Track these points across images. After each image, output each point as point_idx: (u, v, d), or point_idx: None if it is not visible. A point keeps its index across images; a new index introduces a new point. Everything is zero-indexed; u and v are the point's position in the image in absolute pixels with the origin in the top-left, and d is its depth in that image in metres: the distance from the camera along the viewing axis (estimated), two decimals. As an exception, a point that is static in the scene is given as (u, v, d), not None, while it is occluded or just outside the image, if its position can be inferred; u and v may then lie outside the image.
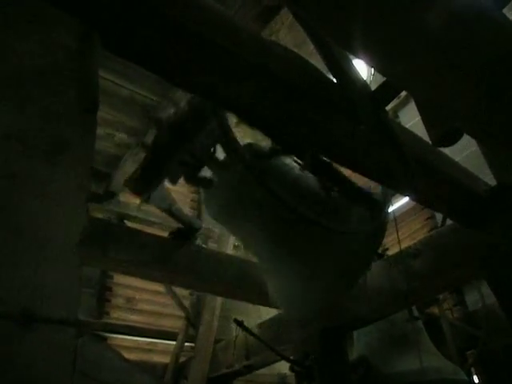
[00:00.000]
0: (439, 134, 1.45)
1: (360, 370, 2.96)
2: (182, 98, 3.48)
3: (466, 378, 3.02)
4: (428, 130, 1.50)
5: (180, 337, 4.29)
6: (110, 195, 4.28)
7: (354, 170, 1.65)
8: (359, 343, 3.21)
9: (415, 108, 1.64)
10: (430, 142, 1.70)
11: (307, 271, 1.98)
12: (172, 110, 2.47)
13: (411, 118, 4.59)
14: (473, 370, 3.88)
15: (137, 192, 2.15)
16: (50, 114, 0.73)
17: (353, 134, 1.51)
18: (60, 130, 0.73)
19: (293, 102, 1.44)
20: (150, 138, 2.85)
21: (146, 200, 2.20)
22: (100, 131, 3.26)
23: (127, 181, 2.06)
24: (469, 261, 2.37)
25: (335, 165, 1.83)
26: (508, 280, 2.35)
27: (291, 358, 2.89)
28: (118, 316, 4.63)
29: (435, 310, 3.93)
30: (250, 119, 1.68)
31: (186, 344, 4.40)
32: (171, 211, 2.38)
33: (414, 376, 2.66)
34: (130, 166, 4.02)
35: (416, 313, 3.09)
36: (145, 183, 2.20)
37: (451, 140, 1.47)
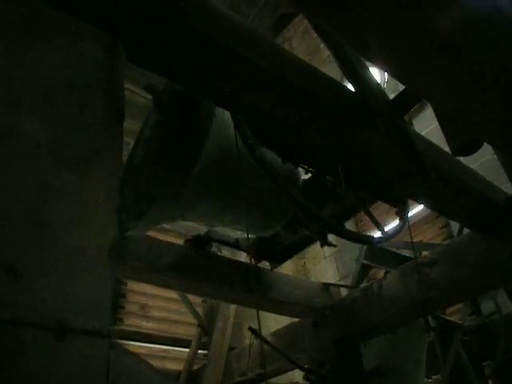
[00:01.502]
0: (459, 144, 1.45)
1: (376, 380, 2.93)
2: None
3: None
4: (447, 140, 1.50)
5: (193, 344, 4.29)
6: (124, 202, 4.31)
7: (373, 178, 1.65)
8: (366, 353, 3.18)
9: (430, 116, 1.64)
10: (448, 150, 1.70)
11: None
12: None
13: (426, 126, 4.57)
14: (490, 382, 3.82)
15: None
16: (78, 124, 0.74)
17: (371, 143, 1.51)
18: (89, 141, 0.74)
19: (312, 112, 1.45)
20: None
21: None
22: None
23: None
24: (486, 270, 2.34)
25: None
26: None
27: (306, 366, 2.87)
28: (131, 323, 4.65)
29: (450, 318, 3.89)
30: (269, 129, 1.69)
31: (200, 351, 4.40)
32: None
33: None
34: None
35: (432, 322, 3.06)
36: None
37: (471, 149, 1.47)
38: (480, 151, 3.44)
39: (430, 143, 1.93)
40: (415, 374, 3.12)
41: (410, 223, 4.58)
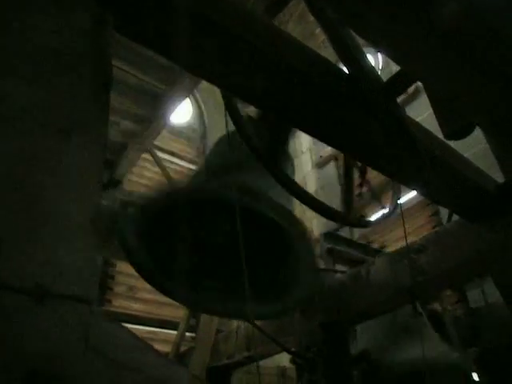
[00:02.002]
0: (452, 128, 1.44)
1: (362, 365, 2.96)
2: (191, 87, 3.47)
3: (469, 365, 3.03)
4: (440, 124, 1.49)
5: (181, 326, 4.30)
6: (115, 183, 4.28)
7: (366, 162, 1.64)
8: (362, 337, 3.21)
9: (423, 103, 1.62)
10: (441, 136, 1.69)
11: None
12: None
13: (419, 114, 4.57)
14: (474, 367, 3.88)
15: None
16: (65, 91, 0.72)
17: (364, 126, 1.50)
18: (75, 108, 0.72)
19: (305, 93, 1.43)
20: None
21: None
22: (106, 118, 3.24)
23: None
24: (475, 258, 2.35)
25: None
26: (513, 278, 2.34)
27: (293, 350, 2.88)
28: (119, 304, 4.65)
29: (437, 306, 3.93)
30: (263, 109, 1.67)
31: (187, 334, 4.42)
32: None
33: (414, 365, 2.66)
34: (134, 155, 4.01)
35: (419, 308, 3.08)
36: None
37: (463, 133, 1.46)
38: (473, 141, 3.46)
39: (422, 128, 1.92)
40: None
41: (402, 210, 4.60)
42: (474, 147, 3.90)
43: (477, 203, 2.18)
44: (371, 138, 1.54)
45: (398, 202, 2.20)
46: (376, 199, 2.22)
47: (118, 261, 4.53)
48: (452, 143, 2.04)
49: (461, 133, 1.44)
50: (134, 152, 4.02)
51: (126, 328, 0.62)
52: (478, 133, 2.51)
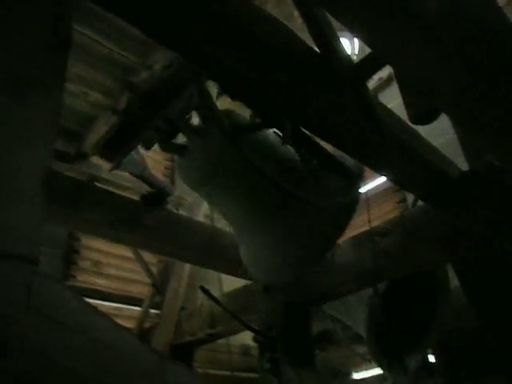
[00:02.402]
0: (418, 112, 1.45)
1: (323, 345, 3.02)
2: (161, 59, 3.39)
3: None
4: (407, 108, 1.50)
5: (146, 303, 4.29)
6: (82, 156, 4.17)
7: (332, 142, 1.65)
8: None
9: (394, 91, 1.63)
10: (408, 121, 1.71)
11: (279, 240, 1.99)
12: (146, 74, 2.41)
13: (390, 102, 4.60)
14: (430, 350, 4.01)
15: (106, 158, 2.10)
16: (18, 48, 0.69)
17: (333, 106, 1.50)
18: (28, 66, 0.69)
19: (274, 69, 1.41)
20: (123, 102, 2.80)
21: (117, 166, 2.16)
22: (74, 89, 3.15)
23: (96, 146, 2.02)
24: (437, 243, 2.41)
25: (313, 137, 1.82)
26: (473, 265, 2.41)
27: (255, 328, 2.91)
28: (84, 279, 4.59)
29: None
30: (230, 84, 1.65)
31: (152, 311, 4.41)
32: (143, 176, 2.35)
33: None
34: (103, 128, 3.91)
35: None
36: (115, 149, 2.16)
37: (428, 118, 1.48)
38: (441, 130, 3.51)
39: (392, 114, 1.94)
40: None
41: (368, 196, 4.66)
42: (442, 137, 3.96)
43: (441, 190, 2.22)
44: (339, 117, 1.54)
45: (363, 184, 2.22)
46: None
47: (84, 235, 4.46)
48: (421, 130, 2.08)
49: (426, 118, 1.46)
50: (103, 126, 3.91)
51: (72, 289, 0.61)
52: (447, 123, 2.56)
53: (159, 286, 4.35)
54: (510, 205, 2.26)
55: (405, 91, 1.57)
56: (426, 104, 1.49)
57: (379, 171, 2.15)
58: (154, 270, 4.60)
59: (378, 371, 4.67)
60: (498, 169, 2.24)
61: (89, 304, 0.58)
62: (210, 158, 2.01)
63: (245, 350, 4.69)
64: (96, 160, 4.35)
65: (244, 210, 2.00)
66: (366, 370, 4.78)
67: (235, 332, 3.52)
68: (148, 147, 2.12)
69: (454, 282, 3.60)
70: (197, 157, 2.02)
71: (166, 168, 5.43)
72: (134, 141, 2.04)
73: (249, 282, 3.17)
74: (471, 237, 2.34)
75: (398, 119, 1.95)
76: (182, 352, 3.85)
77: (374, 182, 4.94)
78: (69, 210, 2.16)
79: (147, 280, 4.46)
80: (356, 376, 4.86)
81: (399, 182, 2.20)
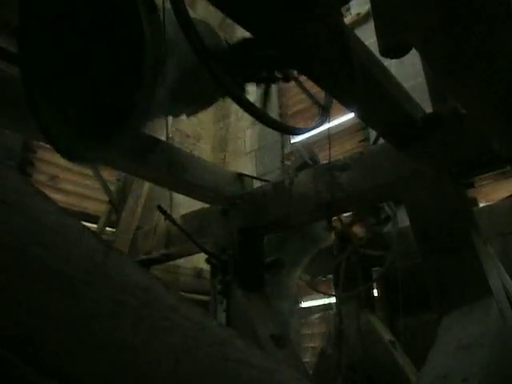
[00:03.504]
0: (388, 44, 1.43)
1: (273, 270, 3.11)
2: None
3: None
4: (378, 38, 1.48)
5: (102, 220, 4.28)
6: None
7: (301, 69, 1.62)
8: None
9: (370, 29, 1.59)
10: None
11: None
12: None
13: (366, 39, 4.53)
14: (374, 284, 4.24)
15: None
16: None
17: (306, 29, 1.46)
18: None
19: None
20: None
21: None
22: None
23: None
24: (392, 181, 2.46)
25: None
26: (424, 206, 2.49)
27: (209, 250, 2.97)
28: (39, 192, 4.50)
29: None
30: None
31: (108, 228, 4.41)
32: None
33: None
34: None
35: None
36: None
37: (398, 51, 1.46)
38: (412, 74, 3.47)
39: (366, 49, 1.91)
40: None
41: (332, 133, 4.68)
42: (413, 80, 3.96)
43: (403, 130, 2.25)
44: (313, 45, 1.51)
45: (327, 115, 2.21)
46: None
47: (40, 148, 4.33)
48: (392, 70, 2.07)
49: (396, 50, 1.44)
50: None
51: (16, 171, 0.59)
52: (419, 67, 2.54)
53: (116, 204, 4.33)
54: (466, 149, 2.32)
55: (378, 23, 1.53)
56: (397, 37, 1.47)
57: (346, 104, 2.15)
58: (112, 187, 4.56)
59: (322, 301, 4.93)
60: (461, 114, 2.27)
61: (33, 185, 0.57)
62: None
63: (198, 273, 4.80)
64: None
65: None
66: (311, 299, 5.03)
67: (189, 253, 3.58)
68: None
69: (405, 222, 3.75)
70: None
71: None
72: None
73: (206, 206, 3.19)
74: (428, 178, 2.40)
75: (370, 55, 1.92)
76: (136, 270, 3.91)
77: (339, 120, 4.96)
78: (23, 114, 2.05)
79: (104, 197, 4.43)
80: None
81: (364, 117, 2.21)
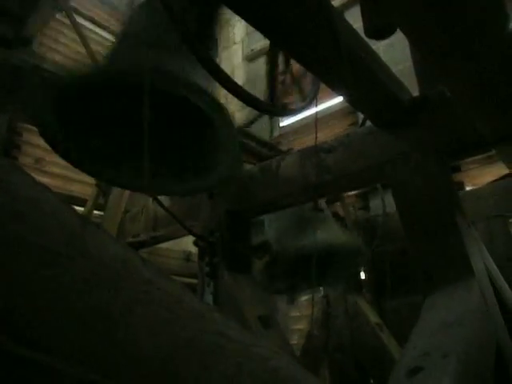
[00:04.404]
0: (374, 26, 1.43)
1: (260, 253, 3.13)
2: None
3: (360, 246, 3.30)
4: (364, 19, 1.48)
5: (89, 203, 4.25)
6: (23, 42, 3.87)
7: (287, 48, 1.61)
8: (270, 229, 3.37)
9: (358, 13, 1.58)
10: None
11: None
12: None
13: (354, 22, 4.51)
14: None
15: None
16: None
17: (297, 13, 1.45)
18: None
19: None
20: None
21: None
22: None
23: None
24: (377, 165, 2.48)
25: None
26: (410, 188, 2.51)
27: (197, 233, 2.98)
28: (25, 175, 4.47)
29: (340, 209, 4.19)
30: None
31: (95, 212, 4.39)
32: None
33: (305, 248, 2.82)
34: (47, 12, 3.61)
35: (321, 205, 3.26)
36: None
37: (383, 33, 1.46)
38: (401, 58, 3.46)
39: (354, 32, 1.90)
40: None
41: (320, 116, 4.68)
42: (401, 64, 3.96)
43: (390, 112, 2.25)
44: (300, 25, 1.50)
45: (315, 95, 2.21)
46: (299, 89, 2.23)
47: (25, 130, 4.29)
48: (381, 54, 2.07)
49: (381, 32, 1.44)
50: (47, 9, 3.60)
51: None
52: (408, 52, 2.54)
53: (103, 187, 4.30)
54: (453, 132, 2.33)
55: (364, 4, 1.53)
56: (383, 19, 1.47)
57: (333, 87, 2.15)
58: (100, 171, 4.53)
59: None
60: (448, 97, 2.28)
61: (6, 159, 0.56)
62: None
63: (186, 256, 4.81)
64: (39, 49, 4.09)
65: None
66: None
67: (177, 236, 3.58)
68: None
69: (392, 207, 3.79)
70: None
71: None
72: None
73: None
74: (414, 162, 2.42)
75: (359, 37, 1.91)
76: (124, 253, 3.91)
77: (328, 103, 4.95)
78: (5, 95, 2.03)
79: (92, 180, 4.39)
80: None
81: (351, 100, 2.21)
